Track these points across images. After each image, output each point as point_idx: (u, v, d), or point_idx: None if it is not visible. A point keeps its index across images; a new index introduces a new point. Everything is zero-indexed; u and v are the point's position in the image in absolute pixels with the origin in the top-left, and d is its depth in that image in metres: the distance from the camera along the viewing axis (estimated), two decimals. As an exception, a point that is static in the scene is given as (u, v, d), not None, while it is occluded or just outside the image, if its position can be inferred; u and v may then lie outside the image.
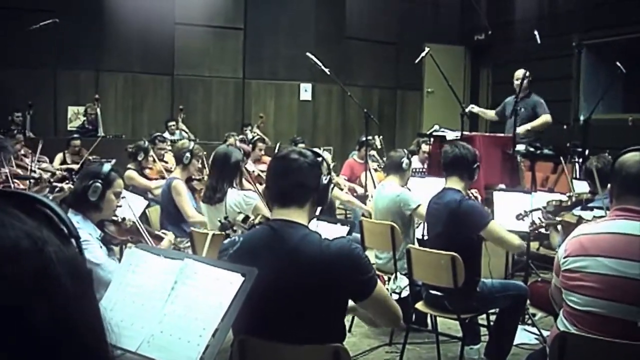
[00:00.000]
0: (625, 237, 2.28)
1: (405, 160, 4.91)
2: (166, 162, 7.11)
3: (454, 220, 3.67)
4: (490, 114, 7.53)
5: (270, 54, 11.96)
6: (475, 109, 7.46)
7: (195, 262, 2.05)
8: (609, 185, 2.49)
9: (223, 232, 2.74)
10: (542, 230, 3.65)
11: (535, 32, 6.48)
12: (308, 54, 6.10)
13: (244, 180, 4.84)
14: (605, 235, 2.33)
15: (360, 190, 7.13)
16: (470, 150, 3.84)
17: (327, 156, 6.15)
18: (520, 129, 6.47)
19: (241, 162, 4.45)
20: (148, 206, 5.12)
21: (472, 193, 3.93)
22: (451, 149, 3.85)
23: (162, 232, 3.61)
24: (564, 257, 2.39)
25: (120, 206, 3.23)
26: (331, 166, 6.43)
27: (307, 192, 2.22)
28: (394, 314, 2.24)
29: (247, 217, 2.65)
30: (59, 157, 8.26)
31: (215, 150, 4.55)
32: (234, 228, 2.66)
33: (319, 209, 2.38)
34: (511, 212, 3.99)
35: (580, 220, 3.14)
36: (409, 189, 4.89)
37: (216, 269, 2.00)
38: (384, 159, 6.97)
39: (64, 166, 7.73)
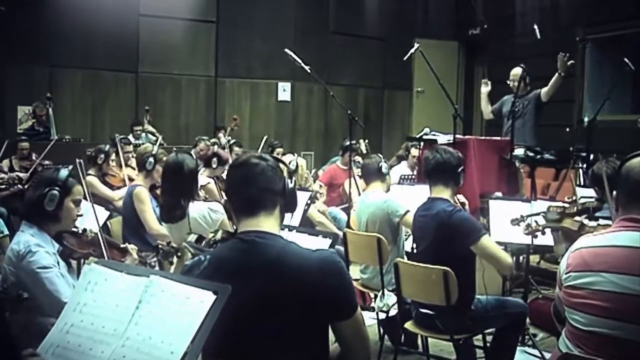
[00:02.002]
0: (633, 251, 2.28)
1: (383, 164, 4.95)
2: (133, 169, 7.07)
3: (443, 233, 3.68)
4: (488, 109, 7.56)
5: (245, 50, 11.95)
6: (486, 88, 7.52)
7: (162, 279, 2.03)
8: (614, 193, 2.49)
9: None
10: (539, 234, 3.66)
11: (535, 26, 6.58)
12: (287, 50, 6.11)
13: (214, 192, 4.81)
14: (610, 249, 2.33)
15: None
16: (453, 153, 3.87)
17: (302, 162, 6.16)
18: (548, 94, 6.73)
19: (196, 170, 4.37)
20: (110, 217, 5.09)
21: (457, 199, 3.95)
22: (432, 155, 3.88)
23: (131, 248, 3.55)
24: (566, 273, 2.40)
25: (80, 215, 3.20)
26: (310, 173, 6.46)
27: (275, 197, 2.25)
28: (368, 344, 2.28)
29: (201, 237, 2.60)
30: (5, 163, 8.10)
31: (165, 161, 4.45)
32: (179, 254, 2.62)
33: (288, 215, 2.40)
34: (509, 223, 4.00)
35: (582, 227, 3.14)
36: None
37: (185, 287, 1.98)
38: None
39: (14, 174, 7.63)
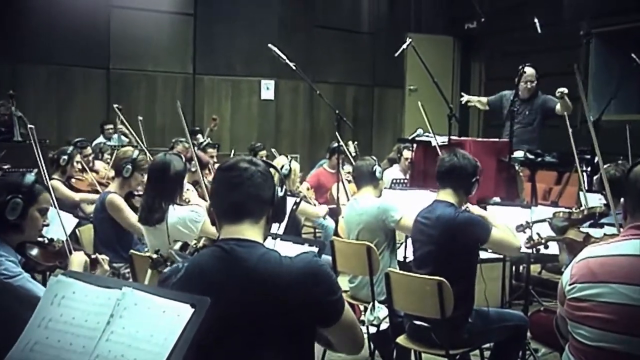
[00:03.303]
0: None
1: (377, 167, 4.95)
2: (97, 172, 7.04)
3: (451, 235, 3.70)
4: (483, 101, 7.55)
5: (225, 45, 11.94)
6: (466, 98, 7.50)
7: (135, 292, 2.02)
8: (621, 200, 2.50)
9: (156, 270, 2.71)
10: (542, 247, 3.68)
11: (536, 20, 6.61)
12: (270, 45, 6.11)
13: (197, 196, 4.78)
14: (618, 258, 2.33)
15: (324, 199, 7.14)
16: (471, 160, 3.90)
17: (296, 166, 6.14)
18: (561, 112, 6.58)
19: (183, 173, 4.38)
20: (79, 225, 5.05)
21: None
22: (448, 158, 3.91)
23: (102, 258, 3.51)
24: (570, 284, 2.39)
25: (47, 225, 3.16)
26: (298, 178, 6.45)
27: (263, 206, 2.26)
28: (360, 341, 2.33)
29: (185, 244, 2.61)
30: None
31: (152, 161, 4.46)
32: (168, 263, 2.63)
33: (275, 226, 2.40)
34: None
35: (587, 238, 3.16)
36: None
37: (161, 299, 1.97)
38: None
39: None
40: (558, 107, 6.77)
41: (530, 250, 3.83)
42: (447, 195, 3.87)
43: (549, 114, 6.90)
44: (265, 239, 2.30)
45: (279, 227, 2.47)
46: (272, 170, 2.34)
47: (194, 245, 2.56)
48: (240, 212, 2.23)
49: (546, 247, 3.68)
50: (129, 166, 4.88)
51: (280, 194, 2.31)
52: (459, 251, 3.72)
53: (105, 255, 3.54)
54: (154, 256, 2.88)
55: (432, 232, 3.79)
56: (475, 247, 3.82)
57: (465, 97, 7.56)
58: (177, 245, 2.64)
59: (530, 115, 6.86)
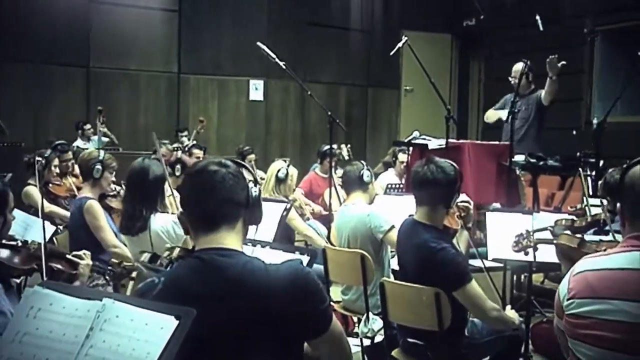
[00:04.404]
0: None
1: (365, 172, 4.96)
2: (77, 177, 7.00)
3: (425, 269, 3.62)
4: (501, 114, 7.31)
5: (212, 43, 11.94)
6: (491, 117, 7.44)
7: (116, 303, 2.01)
8: (617, 205, 2.44)
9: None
10: (530, 250, 3.65)
11: (537, 17, 6.60)
12: (259, 43, 6.11)
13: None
14: (619, 272, 2.29)
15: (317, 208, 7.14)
16: (447, 171, 3.68)
17: (293, 171, 6.12)
18: (547, 99, 6.78)
19: (163, 178, 4.37)
20: (56, 233, 5.04)
21: (460, 208, 3.93)
22: (421, 170, 3.73)
23: (83, 253, 3.48)
24: (568, 299, 2.35)
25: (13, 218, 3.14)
26: (294, 183, 6.43)
27: (237, 209, 2.25)
28: (349, 354, 2.33)
29: (155, 256, 2.57)
30: None
31: (130, 167, 4.46)
32: (132, 275, 2.59)
33: (267, 234, 2.40)
34: (508, 238, 4.00)
35: (582, 243, 3.11)
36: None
37: (144, 311, 1.96)
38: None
39: None
40: (543, 94, 6.92)
41: (521, 253, 3.80)
42: (424, 215, 3.74)
43: (540, 105, 7.01)
44: (242, 243, 2.31)
45: (256, 231, 2.44)
46: (244, 170, 2.32)
47: (167, 257, 2.49)
48: (214, 219, 2.22)
49: (535, 249, 3.64)
50: (99, 166, 4.89)
51: (255, 193, 2.30)
52: (438, 282, 3.56)
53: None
54: (117, 269, 2.84)
55: (412, 258, 3.74)
56: (449, 289, 3.58)
57: (491, 115, 7.49)
58: (146, 257, 2.58)
59: (526, 111, 6.95)
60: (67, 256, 3.46)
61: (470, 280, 3.58)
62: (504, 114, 6.99)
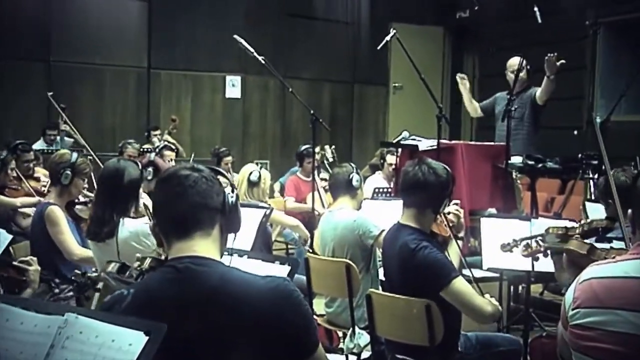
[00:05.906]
0: None
1: (354, 176, 4.96)
2: (37, 180, 6.96)
3: (407, 272, 3.65)
4: (474, 105, 7.60)
5: (185, 36, 11.91)
6: (464, 82, 7.51)
7: (80, 318, 2.00)
8: (629, 212, 2.47)
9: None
10: (541, 255, 3.63)
11: (536, 8, 6.65)
12: (236, 36, 6.11)
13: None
14: (627, 281, 2.30)
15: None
16: (439, 173, 3.71)
17: (266, 175, 6.13)
18: (542, 99, 6.83)
19: (139, 181, 4.35)
20: (13, 242, 4.99)
21: (450, 216, 3.94)
22: (412, 171, 3.75)
23: (30, 259, 3.47)
24: (573, 308, 2.37)
25: None
26: (268, 187, 6.43)
27: (212, 214, 2.25)
28: None
29: (124, 266, 2.54)
30: None
31: (103, 167, 4.43)
32: (98, 286, 2.56)
33: (245, 242, 2.39)
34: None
35: (592, 250, 3.14)
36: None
37: (110, 326, 1.95)
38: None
39: None
40: (538, 92, 6.94)
41: (528, 261, 3.79)
42: (410, 218, 3.77)
43: (535, 104, 7.02)
44: (222, 254, 2.30)
45: (234, 239, 2.43)
46: (220, 176, 2.33)
47: (138, 267, 2.46)
48: (187, 225, 2.23)
49: (546, 255, 3.62)
50: (68, 172, 4.83)
51: (232, 199, 2.30)
52: (423, 288, 3.60)
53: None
54: (80, 280, 2.82)
55: (395, 263, 3.77)
56: (434, 289, 3.62)
57: (461, 81, 7.52)
58: (114, 267, 2.55)
59: (520, 109, 6.94)
60: (14, 263, 3.46)
61: (456, 277, 3.59)
62: (475, 104, 7.48)
